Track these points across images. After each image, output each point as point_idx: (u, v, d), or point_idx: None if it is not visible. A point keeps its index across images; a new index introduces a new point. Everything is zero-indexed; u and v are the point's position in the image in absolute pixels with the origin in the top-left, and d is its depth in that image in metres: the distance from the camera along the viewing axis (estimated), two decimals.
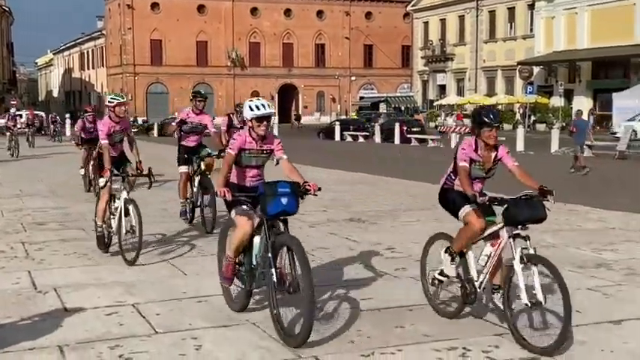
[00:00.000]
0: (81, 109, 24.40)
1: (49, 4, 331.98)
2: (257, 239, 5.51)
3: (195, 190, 10.03)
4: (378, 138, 38.13)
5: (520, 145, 27.87)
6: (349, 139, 40.27)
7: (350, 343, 5.08)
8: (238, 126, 10.85)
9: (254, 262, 5.55)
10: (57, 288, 6.63)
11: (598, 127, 40.77)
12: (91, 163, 12.98)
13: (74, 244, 8.85)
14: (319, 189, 5.38)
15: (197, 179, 10.04)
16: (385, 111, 60.90)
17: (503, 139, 26.77)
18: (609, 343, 5.06)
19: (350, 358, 4.82)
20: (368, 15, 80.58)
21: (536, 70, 52.44)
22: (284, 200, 5.24)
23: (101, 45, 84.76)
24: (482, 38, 58.58)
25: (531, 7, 52.43)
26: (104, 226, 8.17)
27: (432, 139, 34.77)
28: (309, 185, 5.36)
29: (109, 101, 8.52)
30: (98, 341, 5.14)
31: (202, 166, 9.95)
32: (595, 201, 12.35)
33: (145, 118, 66.17)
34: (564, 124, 41.32)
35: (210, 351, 4.96)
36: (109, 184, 8.06)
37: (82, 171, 14.79)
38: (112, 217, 8.11)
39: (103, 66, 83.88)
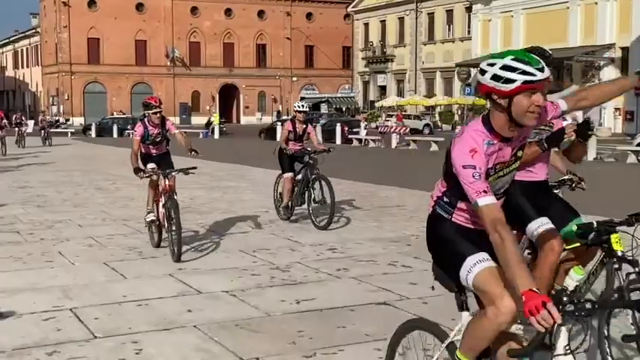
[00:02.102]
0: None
1: None
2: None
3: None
4: (320, 138, 38.25)
5: None
6: None
7: (291, 344, 5.10)
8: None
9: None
10: None
11: None
12: (162, 201, 8.21)
13: (8, 247, 8.62)
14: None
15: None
16: (326, 111, 61.23)
17: (442, 139, 27.27)
18: None
19: (291, 359, 4.83)
20: (309, 16, 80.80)
21: (473, 71, 53.44)
22: None
23: (36, 43, 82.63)
24: (421, 40, 59.43)
25: (469, 9, 53.48)
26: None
27: (372, 140, 35.08)
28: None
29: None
30: (35, 347, 5.03)
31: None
32: None
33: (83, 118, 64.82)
34: None
35: (151, 355, 4.91)
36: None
37: (151, 216, 8.51)
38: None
39: (38, 65, 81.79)
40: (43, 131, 36.34)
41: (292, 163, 10.39)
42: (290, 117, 12.48)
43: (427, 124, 49.82)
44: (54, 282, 6.92)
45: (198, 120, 71.27)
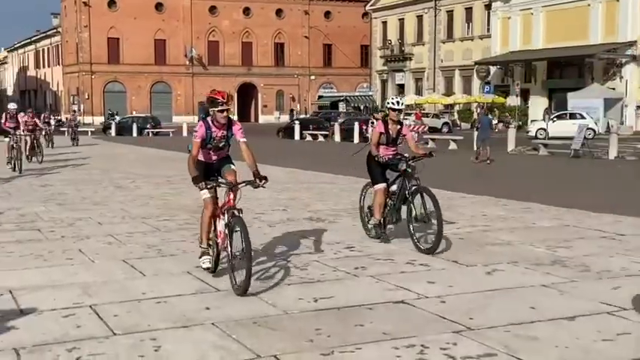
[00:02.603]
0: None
1: (3, 1, 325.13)
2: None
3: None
4: (337, 137, 38.27)
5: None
6: (309, 138, 40.33)
7: (309, 342, 5.10)
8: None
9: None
10: (12, 290, 6.51)
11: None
12: (223, 220, 6.95)
13: (30, 245, 8.70)
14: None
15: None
16: (344, 110, 61.15)
17: (461, 137, 27.27)
18: (563, 339, 5.17)
19: (309, 357, 4.84)
20: (327, 14, 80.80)
21: (493, 69, 53.20)
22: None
23: (57, 43, 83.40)
24: (440, 38, 59.22)
25: (488, 7, 53.19)
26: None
27: None
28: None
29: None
30: (55, 343, 5.07)
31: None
32: (549, 199, 12.59)
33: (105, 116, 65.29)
34: (520, 124, 42.10)
35: (170, 352, 4.93)
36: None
37: (207, 261, 7.16)
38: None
39: (59, 64, 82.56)
40: (70, 130, 35.92)
41: (384, 171, 8.67)
42: (379, 115, 11.41)
43: (446, 123, 49.67)
44: (74, 279, 6.97)
45: None
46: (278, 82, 79.44)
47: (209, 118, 6.81)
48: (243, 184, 6.68)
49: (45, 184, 15.83)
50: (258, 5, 77.96)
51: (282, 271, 7.26)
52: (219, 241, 6.79)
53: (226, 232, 6.54)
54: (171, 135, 47.91)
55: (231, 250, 6.45)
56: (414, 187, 8.35)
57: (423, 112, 51.02)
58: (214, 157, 7.05)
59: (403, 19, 63.38)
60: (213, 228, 6.91)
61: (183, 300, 6.20)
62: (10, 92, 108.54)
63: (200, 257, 7.06)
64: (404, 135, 8.70)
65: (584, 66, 45.37)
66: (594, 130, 35.17)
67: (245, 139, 6.82)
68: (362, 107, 65.30)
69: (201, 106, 6.66)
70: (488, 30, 53.64)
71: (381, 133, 8.62)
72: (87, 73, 73.22)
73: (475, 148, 24.30)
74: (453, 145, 30.51)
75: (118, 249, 8.48)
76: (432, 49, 59.89)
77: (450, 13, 58.17)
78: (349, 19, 79.70)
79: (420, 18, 61.55)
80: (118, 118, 58.10)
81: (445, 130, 47.20)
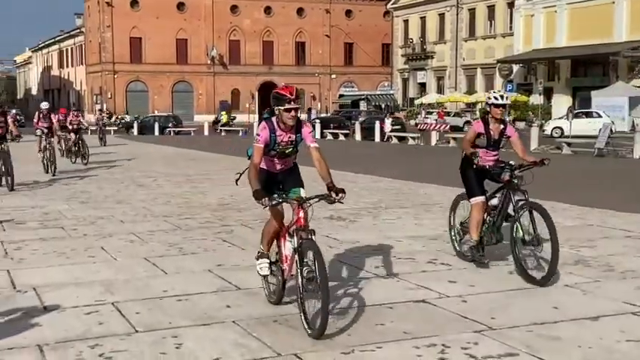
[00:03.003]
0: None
1: (28, 2, 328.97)
2: None
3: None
4: (358, 136, 38.23)
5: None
6: (329, 137, 40.32)
7: (330, 340, 5.09)
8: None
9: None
10: (36, 287, 6.58)
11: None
12: (292, 241, 5.66)
13: (53, 243, 8.79)
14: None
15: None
16: (365, 109, 61.06)
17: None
18: (586, 340, 5.12)
19: (330, 355, 4.83)
20: (348, 13, 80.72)
21: (515, 68, 52.83)
22: None
23: (80, 43, 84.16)
24: (462, 36, 58.93)
25: (511, 5, 52.83)
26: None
27: (412, 137, 34.88)
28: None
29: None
30: (78, 340, 5.12)
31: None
32: (573, 198, 12.47)
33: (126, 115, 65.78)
34: (543, 122, 41.76)
35: (191, 349, 4.96)
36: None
37: (265, 266, 6.12)
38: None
39: (82, 64, 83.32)
40: (98, 130, 34.12)
41: (482, 180, 7.23)
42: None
43: (468, 122, 49.38)
44: (96, 277, 7.03)
45: (238, 118, 71.74)
46: (299, 81, 79.10)
47: (274, 119, 5.68)
48: (316, 200, 5.47)
49: (67, 183, 15.96)
50: (279, 4, 78.08)
51: None
52: (286, 267, 5.68)
53: (296, 258, 5.37)
54: (192, 134, 48.15)
55: (302, 282, 5.24)
56: (521, 203, 6.83)
57: (444, 110, 50.78)
58: (279, 166, 5.91)
59: (425, 17, 63.15)
60: (277, 251, 5.92)
61: (204, 298, 6.23)
62: (34, 92, 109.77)
63: (257, 259, 5.99)
64: (508, 137, 7.24)
65: (608, 64, 44.89)
66: (611, 130, 34.83)
67: (317, 145, 5.66)
68: (383, 106, 65.15)
69: (267, 108, 5.28)
70: (511, 28, 53.25)
71: (479, 134, 7.18)
72: (109, 73, 73.81)
73: None
74: None
75: (140, 247, 8.54)
76: (454, 48, 59.61)
77: (472, 11, 57.85)
78: (370, 17, 79.56)
79: (441, 16, 61.28)
80: (127, 117, 58.44)
81: (467, 128, 46.90)
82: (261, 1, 77.50)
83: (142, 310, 5.86)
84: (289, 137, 5.70)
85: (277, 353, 4.87)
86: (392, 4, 67.19)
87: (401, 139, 35.45)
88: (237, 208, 11.78)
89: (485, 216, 7.20)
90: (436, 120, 44.64)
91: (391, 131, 36.28)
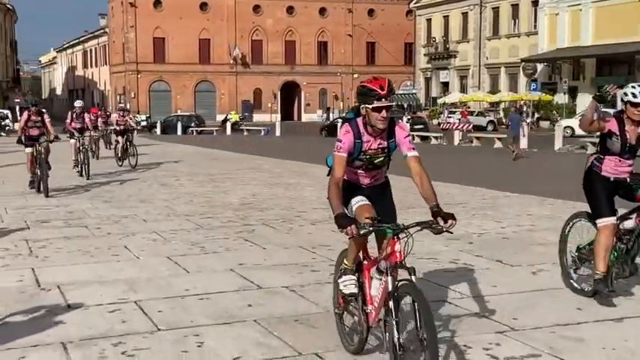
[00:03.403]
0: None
1: (53, 3, 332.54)
2: None
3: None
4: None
5: (524, 143, 27.85)
6: None
7: None
8: None
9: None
10: (60, 285, 6.65)
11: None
12: (384, 274, 4.28)
13: (77, 241, 8.88)
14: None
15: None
16: None
17: (506, 136, 26.76)
18: (610, 341, 5.06)
19: (351, 355, 4.82)
20: (370, 12, 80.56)
21: (539, 67, 52.41)
22: None
23: (104, 43, 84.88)
24: (485, 35, 58.57)
25: (535, 3, 52.42)
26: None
27: (434, 137, 34.76)
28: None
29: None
30: (101, 338, 5.16)
31: None
32: None
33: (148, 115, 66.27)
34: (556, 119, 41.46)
35: (212, 348, 4.98)
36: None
37: (351, 284, 4.81)
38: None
39: (106, 64, 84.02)
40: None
41: (612, 197, 5.96)
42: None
43: (491, 121, 49.14)
44: (120, 275, 7.09)
45: (260, 117, 72.02)
46: (321, 81, 79.50)
47: (359, 120, 4.45)
48: (417, 228, 4.11)
49: (92, 182, 16.10)
50: (301, 4, 78.14)
51: (324, 269, 7.26)
52: (372, 310, 4.42)
53: (391, 305, 4.06)
54: (214, 133, 48.36)
55: (397, 338, 3.97)
56: None
57: (468, 110, 50.53)
58: (366, 180, 4.66)
59: (448, 16, 62.86)
60: (362, 284, 4.65)
61: (225, 297, 6.25)
62: (59, 92, 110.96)
63: (340, 277, 4.79)
64: None
65: (634, 62, 44.36)
66: None
67: (416, 154, 4.43)
68: (405, 105, 64.95)
69: (353, 105, 4.60)
70: (535, 27, 52.83)
71: (610, 133, 5.85)
72: (133, 73, 74.35)
73: (508, 146, 24.46)
74: (498, 144, 30.15)
75: (163, 246, 8.59)
76: (477, 47, 59.26)
77: (496, 10, 57.47)
78: (393, 16, 79.35)
79: (465, 15, 60.96)
80: (139, 117, 58.87)
81: (490, 128, 46.65)
82: (283, 1, 77.62)
83: (164, 309, 5.90)
84: (379, 144, 4.48)
85: (298, 352, 4.87)
86: (415, 3, 66.96)
87: (423, 138, 35.33)
88: (259, 207, 11.81)
89: (615, 242, 5.91)
90: (459, 119, 44.45)
91: (410, 130, 36.15)
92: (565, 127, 37.53)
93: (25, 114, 14.30)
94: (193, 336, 5.22)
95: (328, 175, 4.55)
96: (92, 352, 4.90)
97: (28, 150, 14.01)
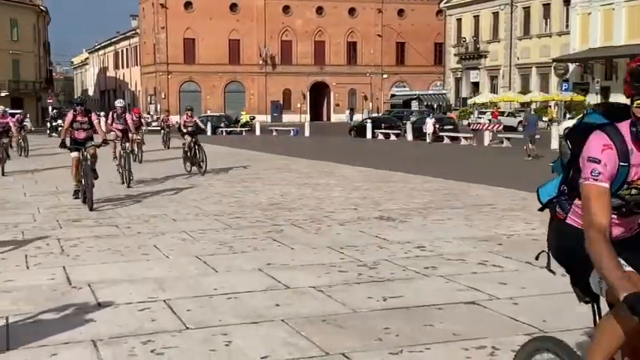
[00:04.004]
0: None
1: (85, 4, 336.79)
2: None
3: None
4: (410, 136, 38.03)
5: (555, 144, 27.54)
6: (381, 137, 40.21)
7: (378, 341, 5.08)
8: None
9: None
10: (91, 284, 6.74)
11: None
12: None
13: (108, 240, 8.98)
14: None
15: None
16: (417, 109, 60.67)
17: (538, 136, 26.58)
18: None
19: (378, 355, 4.82)
20: (400, 12, 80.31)
21: (571, 67, 51.80)
22: None
23: (135, 44, 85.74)
24: (516, 35, 58.05)
25: (567, 3, 51.82)
26: None
27: (465, 137, 34.53)
28: None
29: None
30: (131, 336, 5.22)
31: None
32: None
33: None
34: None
35: (240, 347, 5.01)
36: None
37: None
38: None
39: (137, 65, 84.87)
40: (163, 132, 31.70)
41: None
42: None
43: (522, 122, 48.62)
44: (149, 274, 7.16)
45: (289, 118, 72.17)
46: (350, 81, 79.45)
47: (622, 126, 2.80)
48: None
49: (122, 181, 16.25)
50: (331, 4, 78.17)
51: (352, 269, 7.26)
52: None
53: None
54: (243, 134, 48.57)
55: None
56: None
57: (498, 110, 50.12)
58: (617, 231, 3.01)
59: (478, 15, 62.42)
60: None
61: (253, 296, 6.28)
62: (91, 92, 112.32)
63: None
64: None
65: None
66: None
67: None
68: (435, 106, 64.65)
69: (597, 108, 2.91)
70: (567, 26, 52.22)
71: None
72: (163, 73, 75.02)
73: (525, 147, 24.31)
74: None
75: (192, 245, 8.66)
76: (508, 47, 58.75)
77: (527, 10, 56.94)
78: (423, 17, 79.02)
79: (495, 15, 60.49)
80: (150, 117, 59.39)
81: (521, 129, 46.21)
82: (313, 1, 77.73)
83: (193, 308, 5.94)
84: None
85: (325, 352, 4.88)
86: (445, 3, 66.61)
87: (453, 139, 35.12)
88: (287, 207, 11.84)
89: None
90: (490, 120, 44.10)
91: (440, 131, 35.83)
92: (565, 129, 37.07)
93: (70, 114, 12.65)
94: (221, 335, 5.25)
95: (540, 210, 3.37)
96: (122, 349, 4.96)
97: (74, 155, 12.33)
